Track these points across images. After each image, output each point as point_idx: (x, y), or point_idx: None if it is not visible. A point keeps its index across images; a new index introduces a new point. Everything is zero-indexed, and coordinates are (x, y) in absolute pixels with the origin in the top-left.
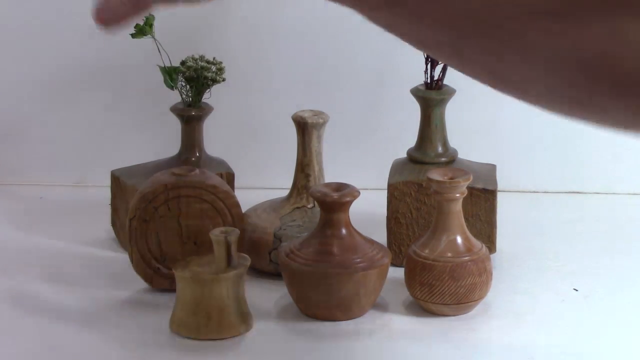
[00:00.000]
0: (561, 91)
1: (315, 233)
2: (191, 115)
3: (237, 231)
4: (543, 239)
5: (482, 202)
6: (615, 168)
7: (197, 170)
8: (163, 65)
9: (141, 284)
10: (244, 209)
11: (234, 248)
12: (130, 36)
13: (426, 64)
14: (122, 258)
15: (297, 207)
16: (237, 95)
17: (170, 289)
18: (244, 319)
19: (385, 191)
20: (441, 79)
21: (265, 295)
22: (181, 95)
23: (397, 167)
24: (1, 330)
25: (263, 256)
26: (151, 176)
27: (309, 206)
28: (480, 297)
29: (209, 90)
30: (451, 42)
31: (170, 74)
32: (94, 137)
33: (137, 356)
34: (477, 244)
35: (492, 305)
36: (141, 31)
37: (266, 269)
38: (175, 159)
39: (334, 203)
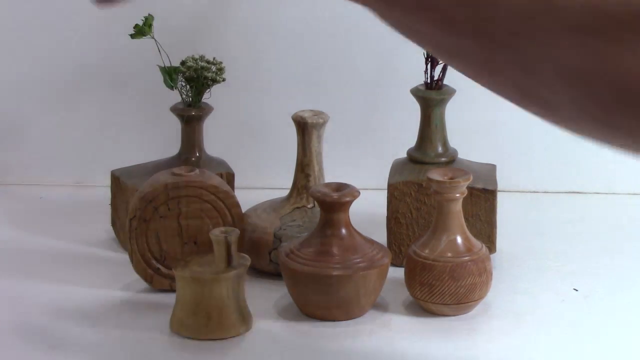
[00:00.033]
0: (590, 112)
1: (315, 233)
2: (191, 115)
3: (237, 231)
4: (543, 239)
5: (482, 202)
6: (615, 168)
7: (197, 170)
8: (163, 65)
9: (141, 284)
10: (244, 209)
11: (234, 248)
12: (129, 37)
13: (426, 64)
14: (122, 258)
15: (297, 207)
16: (237, 95)
17: (170, 289)
18: (244, 319)
19: (385, 191)
20: (441, 79)
21: (265, 295)
22: (181, 95)
23: (397, 167)
24: (1, 331)
25: (263, 256)
26: (151, 176)
27: (309, 206)
28: (480, 297)
29: (209, 90)
30: (479, 51)
31: (170, 74)
32: (93, 137)
33: (137, 356)
34: (477, 244)
35: (492, 305)
36: (140, 32)
37: (266, 269)
38: (175, 159)
39: (334, 203)
